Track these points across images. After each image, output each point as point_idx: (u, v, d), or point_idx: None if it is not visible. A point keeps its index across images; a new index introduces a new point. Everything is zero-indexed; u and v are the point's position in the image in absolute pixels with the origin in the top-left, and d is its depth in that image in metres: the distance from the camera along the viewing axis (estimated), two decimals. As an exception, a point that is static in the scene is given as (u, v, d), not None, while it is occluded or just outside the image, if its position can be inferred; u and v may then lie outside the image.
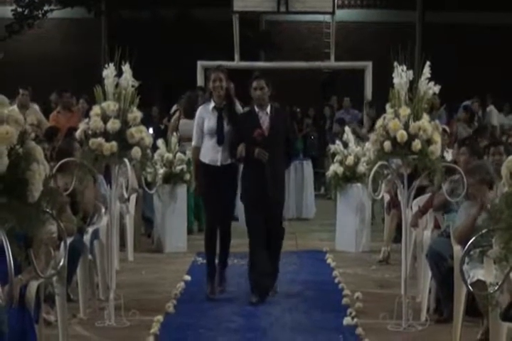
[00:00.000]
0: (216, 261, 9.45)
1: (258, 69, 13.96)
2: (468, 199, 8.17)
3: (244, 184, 9.34)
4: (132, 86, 8.45)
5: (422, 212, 9.36)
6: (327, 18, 17.86)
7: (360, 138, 15.38)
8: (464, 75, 21.92)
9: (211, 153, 9.29)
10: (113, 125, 8.24)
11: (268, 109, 9.23)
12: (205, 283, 9.33)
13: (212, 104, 9.32)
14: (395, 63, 8.16)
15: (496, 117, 19.24)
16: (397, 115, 8.07)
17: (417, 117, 8.05)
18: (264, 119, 9.17)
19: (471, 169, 8.18)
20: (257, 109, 9.22)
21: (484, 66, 23.25)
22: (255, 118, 9.17)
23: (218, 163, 9.26)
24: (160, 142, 12.41)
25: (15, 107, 3.78)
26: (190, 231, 12.79)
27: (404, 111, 8.05)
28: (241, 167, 9.42)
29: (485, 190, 7.90)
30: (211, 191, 9.31)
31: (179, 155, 12.21)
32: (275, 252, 9.28)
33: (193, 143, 9.51)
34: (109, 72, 8.39)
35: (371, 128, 16.07)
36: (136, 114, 8.37)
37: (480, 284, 6.76)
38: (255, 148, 8.94)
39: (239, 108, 9.54)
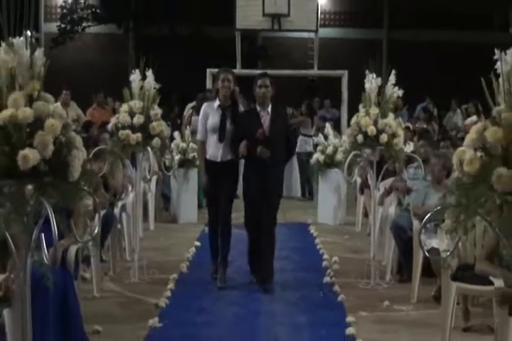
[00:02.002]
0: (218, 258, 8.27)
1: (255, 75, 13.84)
2: (425, 178, 8.21)
3: (246, 180, 8.09)
4: (154, 88, 8.45)
5: (388, 192, 9.35)
6: (311, 35, 17.77)
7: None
8: (422, 82, 21.81)
9: (213, 149, 8.15)
10: (138, 120, 8.25)
11: (269, 108, 7.98)
12: (209, 263, 8.46)
13: (217, 103, 8.16)
14: (367, 72, 8.15)
15: (460, 119, 18.82)
16: (368, 114, 8.08)
17: (384, 115, 8.05)
18: (266, 118, 7.92)
19: (439, 154, 8.21)
20: (258, 108, 8.00)
21: (439, 74, 23.20)
22: (257, 117, 7.94)
23: (218, 159, 8.11)
24: (176, 134, 12.39)
25: (58, 104, 3.74)
26: (199, 206, 12.74)
27: (374, 110, 8.04)
28: (241, 163, 8.41)
29: (443, 173, 7.95)
30: (212, 186, 8.20)
31: (191, 144, 12.15)
32: (269, 249, 8.09)
33: (198, 136, 8.42)
34: (135, 76, 8.38)
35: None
36: (157, 111, 8.38)
37: (434, 251, 6.75)
38: (257, 146, 7.75)
39: (241, 109, 8.44)
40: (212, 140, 8.14)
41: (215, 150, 8.14)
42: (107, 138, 9.14)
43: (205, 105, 8.40)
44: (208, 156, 8.20)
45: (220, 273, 8.14)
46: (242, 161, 8.42)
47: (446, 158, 7.92)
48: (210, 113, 8.19)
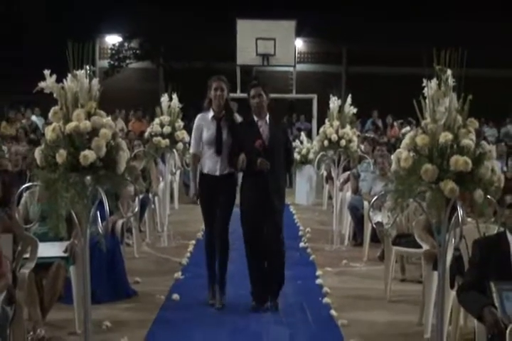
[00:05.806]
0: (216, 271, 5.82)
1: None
2: (374, 171, 8.20)
3: (245, 193, 5.60)
4: (178, 107, 8.44)
5: (345, 181, 9.33)
6: (291, 69, 17.68)
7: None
8: (370, 103, 21.78)
9: (210, 163, 5.66)
10: (167, 130, 8.25)
11: (267, 118, 5.62)
12: (207, 288, 5.86)
13: (211, 113, 5.70)
14: (331, 95, 8.16)
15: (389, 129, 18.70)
16: (331, 125, 8.07)
17: (343, 126, 8.05)
18: (264, 129, 5.56)
19: (383, 155, 8.16)
20: (256, 118, 5.60)
21: (383, 97, 23.14)
22: (255, 127, 5.57)
23: (217, 173, 5.63)
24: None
25: (109, 118, 3.74)
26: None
27: (336, 123, 8.05)
28: (239, 176, 5.78)
29: (389, 168, 7.91)
30: (210, 201, 5.71)
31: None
32: (279, 260, 5.74)
33: (191, 150, 5.88)
34: (164, 98, 8.39)
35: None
36: (180, 123, 8.39)
37: (379, 224, 6.75)
38: (257, 158, 5.43)
39: (237, 118, 5.75)
40: (209, 153, 5.69)
41: (212, 164, 5.67)
42: (139, 144, 9.09)
43: (198, 117, 5.82)
44: (205, 171, 5.72)
45: (217, 297, 5.76)
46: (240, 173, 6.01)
47: (389, 157, 7.92)
48: (204, 125, 5.72)
